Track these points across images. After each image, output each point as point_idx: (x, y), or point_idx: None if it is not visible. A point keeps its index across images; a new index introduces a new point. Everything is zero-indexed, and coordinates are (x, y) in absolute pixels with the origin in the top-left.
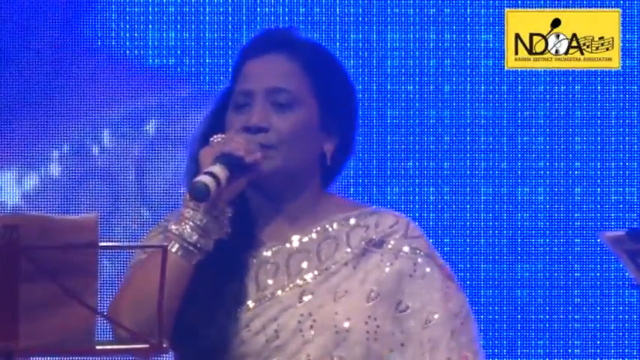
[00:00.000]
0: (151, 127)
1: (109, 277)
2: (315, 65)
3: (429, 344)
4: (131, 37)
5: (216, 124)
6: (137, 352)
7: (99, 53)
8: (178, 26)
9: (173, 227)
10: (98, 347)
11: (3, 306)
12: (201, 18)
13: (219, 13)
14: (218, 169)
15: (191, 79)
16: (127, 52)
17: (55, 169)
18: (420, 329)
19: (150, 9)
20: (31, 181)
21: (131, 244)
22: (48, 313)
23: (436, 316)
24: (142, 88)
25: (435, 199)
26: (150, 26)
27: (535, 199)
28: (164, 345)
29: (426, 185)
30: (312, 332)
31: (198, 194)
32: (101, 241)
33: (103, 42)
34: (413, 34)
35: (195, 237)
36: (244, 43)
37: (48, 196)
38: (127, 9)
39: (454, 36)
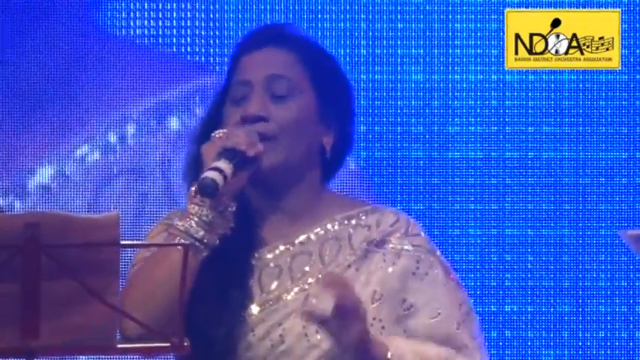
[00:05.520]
0: (174, 122)
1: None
2: (310, 57)
3: (437, 339)
4: (148, 26)
5: (215, 120)
6: (158, 351)
7: (118, 43)
8: (211, 23)
9: (178, 223)
10: (119, 346)
11: (24, 304)
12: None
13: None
14: (223, 164)
15: (221, 70)
16: (146, 40)
17: (77, 167)
18: (425, 325)
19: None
20: (54, 179)
21: (152, 242)
22: (69, 312)
23: (440, 312)
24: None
25: (425, 210)
26: (174, 14)
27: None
28: (185, 344)
29: (428, 192)
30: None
31: (207, 190)
32: (123, 240)
33: (121, 32)
34: (412, 39)
35: (201, 232)
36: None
37: (71, 195)
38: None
39: (453, 33)
